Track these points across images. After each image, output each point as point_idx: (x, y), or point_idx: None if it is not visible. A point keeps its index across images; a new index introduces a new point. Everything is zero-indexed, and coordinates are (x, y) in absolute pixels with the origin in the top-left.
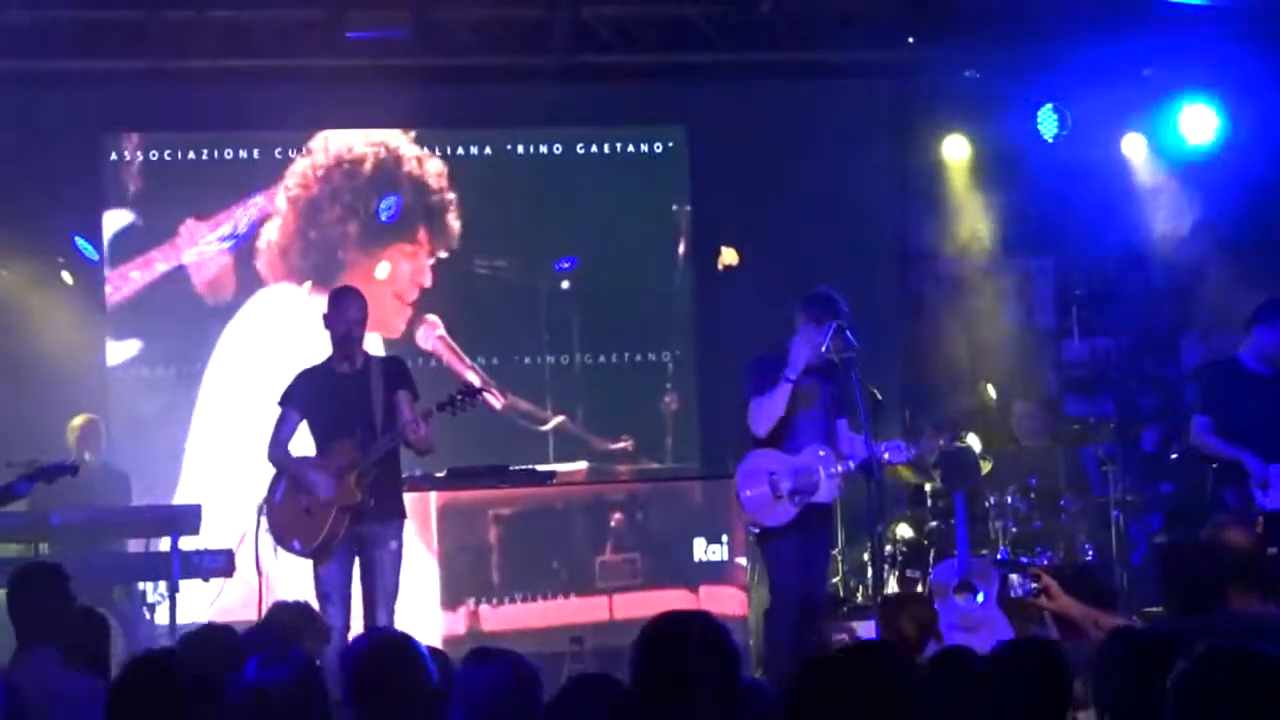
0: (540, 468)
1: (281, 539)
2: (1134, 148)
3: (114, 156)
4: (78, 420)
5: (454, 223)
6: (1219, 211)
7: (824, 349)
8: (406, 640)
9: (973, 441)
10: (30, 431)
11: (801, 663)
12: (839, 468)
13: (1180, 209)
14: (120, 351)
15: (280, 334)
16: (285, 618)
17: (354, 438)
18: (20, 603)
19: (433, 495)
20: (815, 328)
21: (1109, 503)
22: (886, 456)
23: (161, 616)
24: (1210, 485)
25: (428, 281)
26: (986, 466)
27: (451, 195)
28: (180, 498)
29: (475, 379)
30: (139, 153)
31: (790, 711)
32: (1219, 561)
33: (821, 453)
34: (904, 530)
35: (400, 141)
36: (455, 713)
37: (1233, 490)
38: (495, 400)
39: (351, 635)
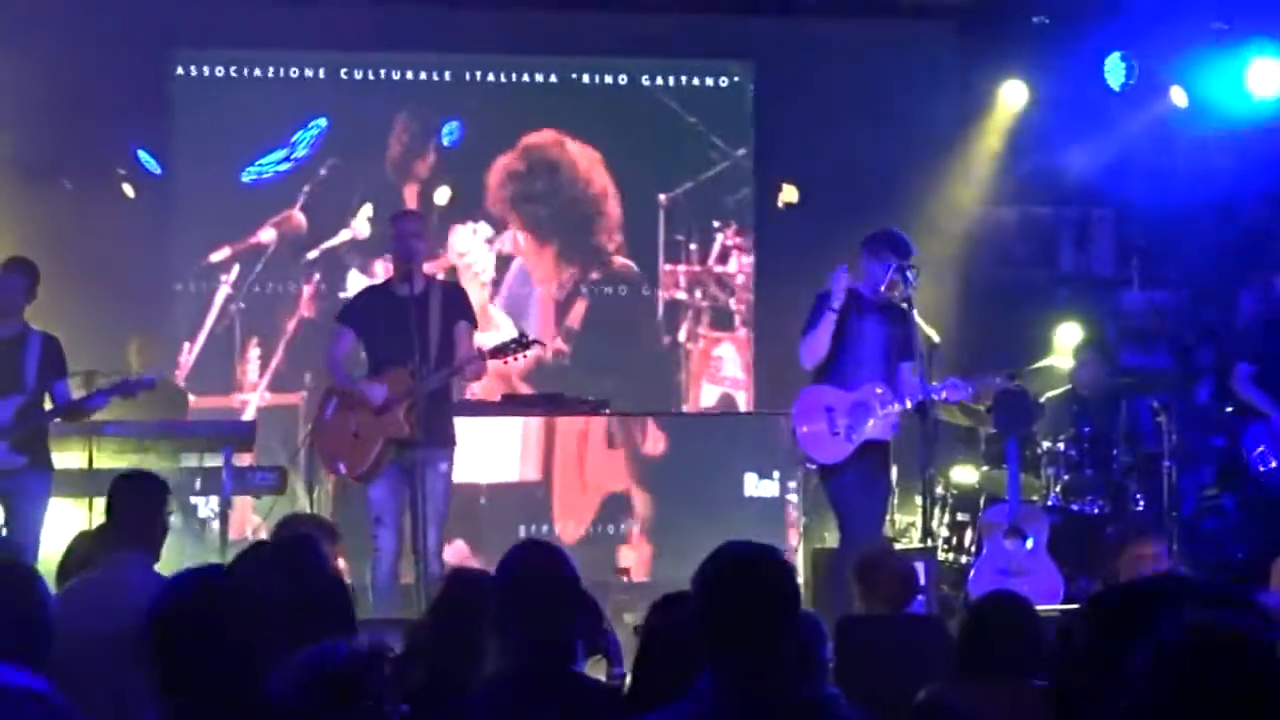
0: (593, 397)
1: (328, 460)
2: (1193, 99)
3: (180, 71)
4: (136, 337)
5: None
6: None
7: (882, 288)
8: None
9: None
10: (96, 346)
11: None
12: (895, 406)
13: (1242, 163)
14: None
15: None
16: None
17: (409, 366)
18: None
19: None
20: (875, 263)
21: (1161, 454)
22: (944, 395)
23: (212, 532)
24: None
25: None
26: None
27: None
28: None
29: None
30: (204, 68)
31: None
32: None
33: (879, 390)
34: (955, 473)
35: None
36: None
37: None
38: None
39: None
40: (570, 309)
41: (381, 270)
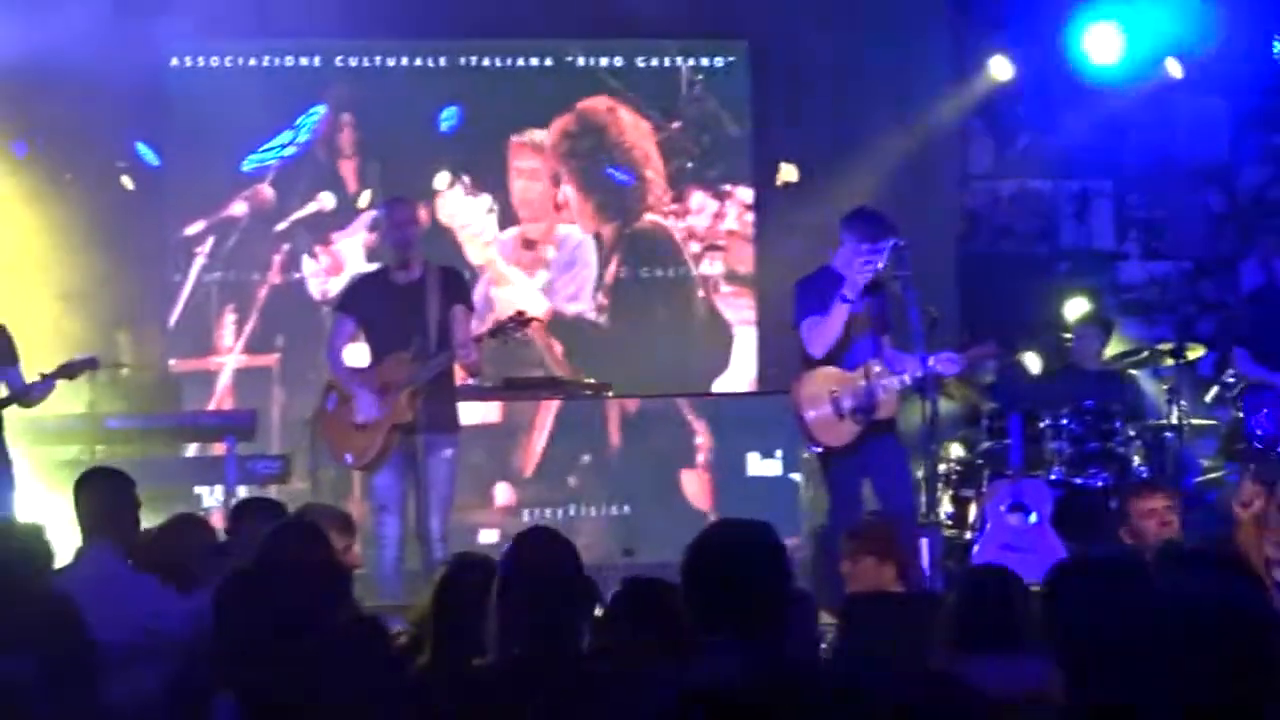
0: (595, 380)
1: (334, 450)
2: (1184, 69)
3: (175, 62)
4: (126, 328)
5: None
6: None
7: (880, 266)
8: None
9: (1030, 361)
10: (95, 338)
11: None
12: (895, 382)
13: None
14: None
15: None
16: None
17: (409, 350)
18: (83, 500)
19: None
20: (864, 244)
21: (1164, 426)
22: (939, 367)
23: (216, 522)
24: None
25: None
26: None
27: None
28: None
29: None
30: (200, 58)
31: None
32: None
33: (877, 369)
34: (957, 450)
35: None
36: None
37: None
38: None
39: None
40: (608, 266)
41: (355, 248)
